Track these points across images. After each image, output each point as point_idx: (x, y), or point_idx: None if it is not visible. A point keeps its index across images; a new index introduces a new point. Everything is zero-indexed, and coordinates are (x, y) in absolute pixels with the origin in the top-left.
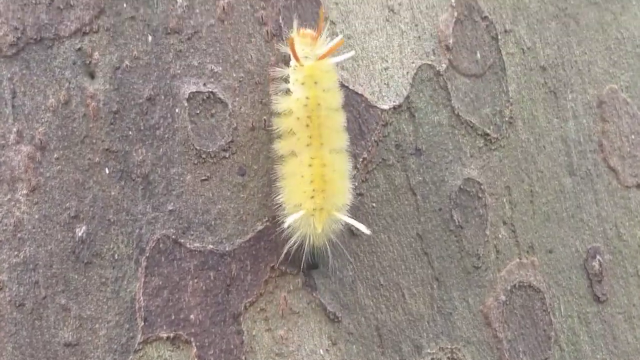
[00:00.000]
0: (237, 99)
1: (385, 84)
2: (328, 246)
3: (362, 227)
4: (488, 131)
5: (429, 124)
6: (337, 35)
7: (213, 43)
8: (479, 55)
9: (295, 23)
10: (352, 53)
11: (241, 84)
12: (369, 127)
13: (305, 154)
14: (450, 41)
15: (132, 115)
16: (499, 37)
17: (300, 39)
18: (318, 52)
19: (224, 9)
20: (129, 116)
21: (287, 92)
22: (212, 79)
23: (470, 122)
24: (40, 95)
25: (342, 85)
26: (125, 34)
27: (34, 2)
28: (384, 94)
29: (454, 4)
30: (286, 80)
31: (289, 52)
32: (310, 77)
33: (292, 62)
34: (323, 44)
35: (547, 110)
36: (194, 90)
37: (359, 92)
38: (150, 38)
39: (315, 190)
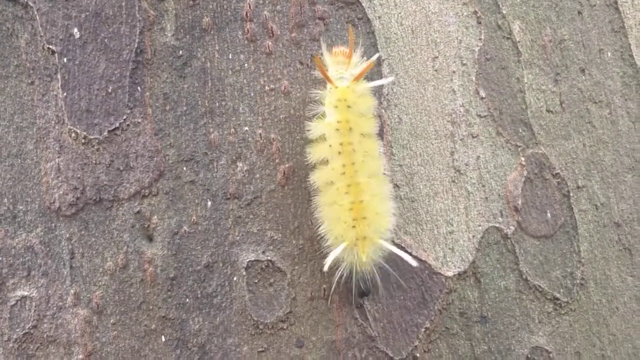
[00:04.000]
0: (296, 267)
1: (450, 248)
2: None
3: (408, 258)
4: (558, 295)
5: (495, 289)
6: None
7: (273, 209)
8: (549, 214)
9: (323, 44)
10: (392, 79)
11: (301, 251)
12: (432, 295)
13: (342, 182)
14: (519, 202)
15: (190, 283)
16: (571, 194)
17: (333, 57)
18: (353, 72)
19: (284, 173)
20: (187, 283)
21: (322, 115)
22: (272, 247)
23: (539, 286)
24: (98, 258)
25: (405, 251)
26: (185, 198)
27: (93, 162)
28: (448, 259)
29: (523, 162)
30: (323, 102)
31: (320, 74)
32: (343, 100)
33: (328, 84)
34: (358, 64)
35: (620, 269)
36: (253, 259)
37: (423, 259)
38: (209, 203)
39: (355, 219)
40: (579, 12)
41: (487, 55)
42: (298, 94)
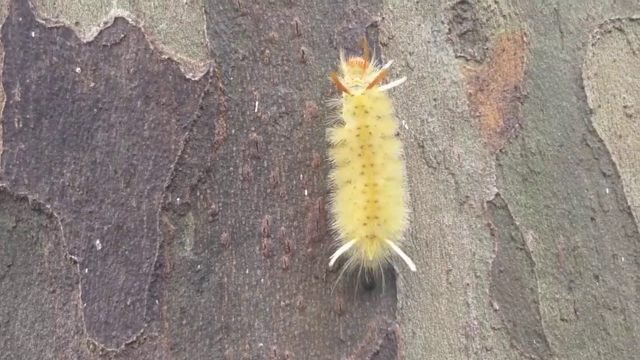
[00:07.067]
0: None
1: None
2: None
3: (410, 262)
4: None
5: None
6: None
7: None
8: None
9: (342, 53)
10: (404, 79)
11: None
12: None
13: (359, 182)
14: None
15: None
16: None
17: (349, 67)
18: (368, 80)
19: None
20: None
21: (342, 122)
22: None
23: None
24: None
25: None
26: None
27: None
28: None
29: None
30: (340, 110)
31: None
32: (361, 106)
33: (344, 93)
34: (372, 72)
35: None
36: None
37: None
38: None
39: (368, 217)
40: (592, 219)
41: (500, 267)
42: (313, 309)
